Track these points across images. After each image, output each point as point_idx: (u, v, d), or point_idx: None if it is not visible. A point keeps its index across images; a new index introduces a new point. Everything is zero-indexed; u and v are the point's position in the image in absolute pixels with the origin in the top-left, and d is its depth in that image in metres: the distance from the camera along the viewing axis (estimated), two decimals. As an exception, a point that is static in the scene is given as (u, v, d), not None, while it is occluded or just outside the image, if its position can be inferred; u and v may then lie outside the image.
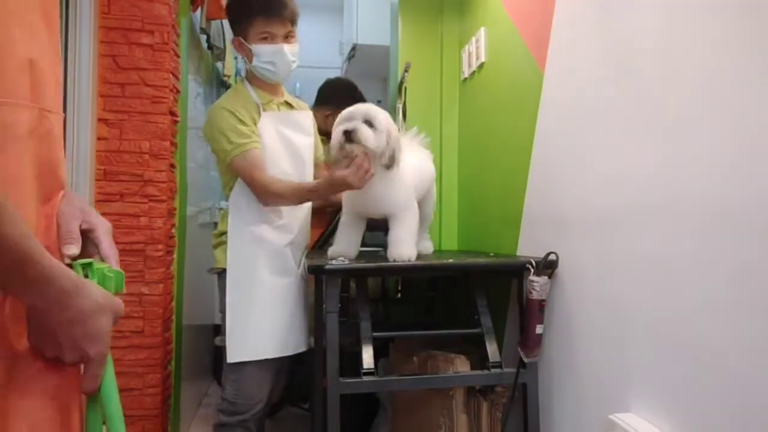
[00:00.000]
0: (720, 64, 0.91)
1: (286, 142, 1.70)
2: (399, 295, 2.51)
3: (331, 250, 1.58)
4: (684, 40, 0.99)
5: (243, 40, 1.64)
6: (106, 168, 2.00)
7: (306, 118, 1.80)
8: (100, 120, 2.00)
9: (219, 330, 1.71)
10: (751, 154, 0.84)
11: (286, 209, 1.68)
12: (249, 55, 1.65)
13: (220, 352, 1.79)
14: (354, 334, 1.53)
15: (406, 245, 1.50)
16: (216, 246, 1.71)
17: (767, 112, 0.81)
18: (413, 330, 1.92)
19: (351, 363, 1.49)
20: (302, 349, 1.73)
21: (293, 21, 1.65)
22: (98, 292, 0.60)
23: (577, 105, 1.38)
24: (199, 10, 2.57)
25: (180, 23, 2.23)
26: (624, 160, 1.17)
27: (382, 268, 1.53)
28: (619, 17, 1.21)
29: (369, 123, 1.44)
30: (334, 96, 2.43)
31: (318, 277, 1.70)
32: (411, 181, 1.58)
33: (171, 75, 2.07)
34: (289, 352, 1.68)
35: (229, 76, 3.17)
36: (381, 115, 1.46)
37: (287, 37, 1.64)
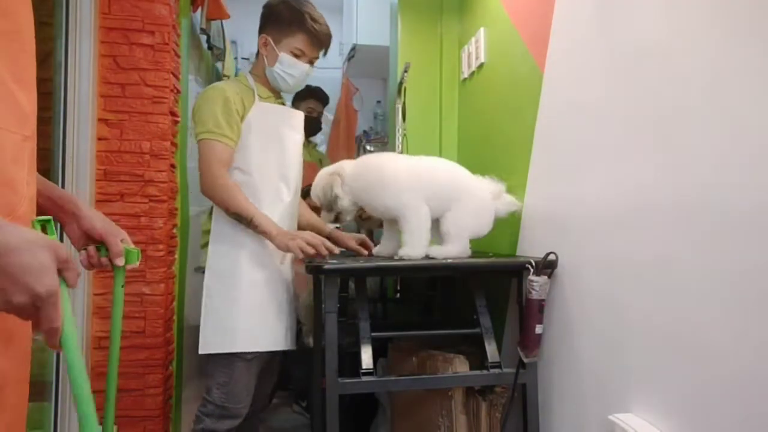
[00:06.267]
0: (721, 65, 0.91)
1: (275, 133, 1.70)
2: (398, 295, 2.52)
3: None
4: (684, 40, 0.99)
5: (273, 44, 1.68)
6: (106, 168, 2.00)
7: (298, 116, 1.81)
8: (100, 120, 2.00)
9: None
10: (752, 155, 0.84)
11: (264, 202, 1.65)
12: (272, 58, 1.69)
13: None
14: (353, 334, 1.53)
15: (407, 246, 1.52)
16: (205, 245, 1.70)
17: (767, 112, 0.81)
18: (412, 330, 1.92)
19: (350, 363, 1.49)
20: (281, 347, 1.68)
21: (326, 53, 1.79)
22: (25, 229, 0.59)
23: (576, 105, 1.38)
24: (199, 11, 2.57)
25: (180, 23, 2.23)
26: (624, 160, 1.17)
27: (380, 267, 1.53)
28: (618, 17, 1.20)
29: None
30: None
31: (317, 277, 1.70)
32: (407, 184, 1.54)
33: (171, 75, 2.07)
34: (266, 348, 1.63)
35: (228, 77, 3.18)
36: (317, 192, 1.60)
37: (311, 61, 1.74)
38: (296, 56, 1.69)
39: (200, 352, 1.56)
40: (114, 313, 0.96)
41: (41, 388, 1.87)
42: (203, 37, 2.78)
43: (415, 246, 1.52)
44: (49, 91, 1.91)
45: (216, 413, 1.59)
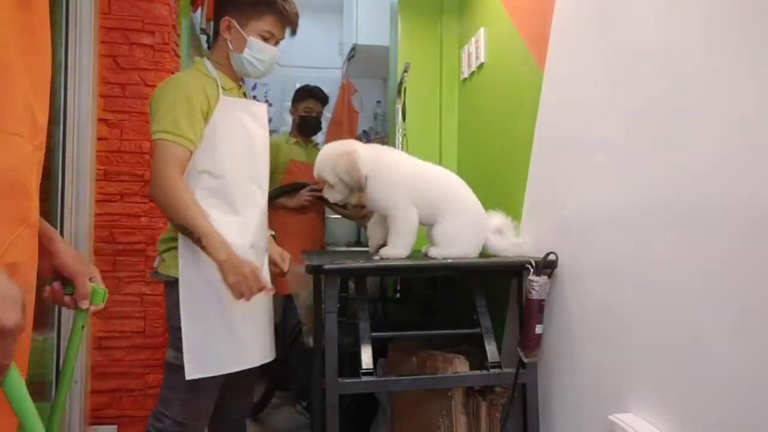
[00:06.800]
0: (721, 65, 0.91)
1: (243, 130, 1.55)
2: (398, 295, 2.52)
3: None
4: (683, 41, 0.99)
5: (238, 27, 1.53)
6: (106, 168, 2.00)
7: (262, 108, 1.66)
8: (100, 120, 2.00)
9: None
10: (751, 155, 0.84)
11: (240, 207, 1.51)
12: (239, 43, 1.53)
13: None
14: (353, 334, 1.53)
15: (391, 246, 1.57)
16: (166, 250, 1.48)
17: (767, 113, 0.81)
18: (412, 330, 1.92)
19: (350, 363, 1.49)
20: (268, 359, 1.58)
21: (293, 33, 1.65)
22: None
23: (576, 105, 1.38)
24: (199, 11, 2.58)
25: (180, 24, 2.23)
26: (623, 160, 1.17)
27: (380, 267, 1.53)
28: (618, 18, 1.21)
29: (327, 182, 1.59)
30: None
31: (317, 277, 1.70)
32: (396, 186, 1.56)
33: (171, 75, 2.07)
34: (254, 363, 1.52)
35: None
36: (328, 171, 1.57)
37: (277, 43, 1.61)
38: (265, 39, 1.55)
39: (188, 377, 1.38)
40: (69, 352, 0.89)
41: (41, 388, 1.87)
42: (203, 37, 2.78)
43: (398, 246, 1.56)
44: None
45: (173, 430, 1.43)
